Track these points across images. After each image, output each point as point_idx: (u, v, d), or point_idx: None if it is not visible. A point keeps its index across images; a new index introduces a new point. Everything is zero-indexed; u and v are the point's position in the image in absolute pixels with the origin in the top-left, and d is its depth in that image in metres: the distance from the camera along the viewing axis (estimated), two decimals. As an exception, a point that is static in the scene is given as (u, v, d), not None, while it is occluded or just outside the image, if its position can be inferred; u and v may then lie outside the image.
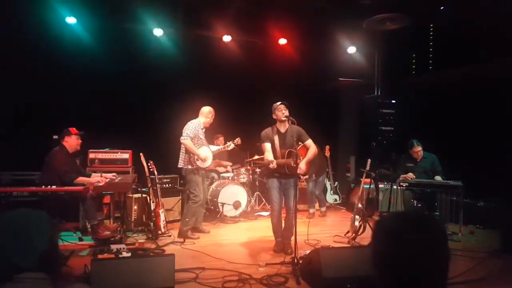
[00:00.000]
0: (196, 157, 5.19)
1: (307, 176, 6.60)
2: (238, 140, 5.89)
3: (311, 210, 6.98)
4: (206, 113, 5.42)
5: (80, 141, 5.16)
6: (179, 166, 5.36)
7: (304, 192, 7.35)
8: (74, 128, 5.14)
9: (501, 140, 5.87)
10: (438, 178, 5.54)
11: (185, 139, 5.15)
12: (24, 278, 1.24)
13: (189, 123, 5.31)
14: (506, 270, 4.19)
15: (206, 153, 5.34)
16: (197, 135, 5.26)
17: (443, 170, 5.70)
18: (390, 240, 1.14)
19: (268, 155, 4.49)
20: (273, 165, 4.32)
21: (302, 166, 4.45)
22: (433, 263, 1.10)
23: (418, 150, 5.75)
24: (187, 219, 5.27)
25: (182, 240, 5.07)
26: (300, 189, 7.32)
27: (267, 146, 4.56)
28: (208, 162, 5.38)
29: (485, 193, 5.95)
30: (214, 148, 5.69)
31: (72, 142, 5.06)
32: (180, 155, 5.34)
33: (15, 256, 1.25)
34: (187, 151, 5.23)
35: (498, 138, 5.91)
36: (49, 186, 4.45)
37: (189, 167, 5.24)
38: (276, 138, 4.58)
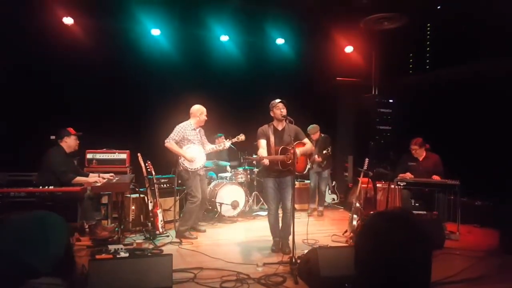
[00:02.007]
0: (182, 158, 5.18)
1: (320, 158, 6.59)
2: (241, 137, 5.62)
3: (312, 206, 6.98)
4: (195, 112, 5.35)
5: (78, 141, 5.16)
6: (176, 169, 5.43)
7: (304, 191, 7.37)
8: (72, 129, 5.13)
9: (499, 139, 5.88)
10: (435, 178, 5.55)
11: (167, 142, 5.20)
12: (40, 283, 1.21)
13: (176, 126, 5.30)
14: (503, 269, 4.20)
15: (193, 153, 5.24)
16: (185, 137, 5.24)
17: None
18: (369, 238, 1.14)
19: (262, 152, 4.49)
20: (265, 161, 4.33)
21: (297, 153, 4.44)
22: (410, 263, 1.08)
23: (416, 148, 5.75)
24: (186, 220, 5.26)
25: (180, 240, 5.06)
26: (300, 188, 7.37)
27: (262, 142, 4.57)
28: (197, 163, 5.27)
29: (483, 192, 5.97)
30: (210, 146, 5.59)
31: (71, 142, 5.05)
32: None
33: (30, 259, 1.21)
34: (175, 154, 5.23)
35: (496, 137, 5.93)
36: (46, 187, 4.44)
37: (180, 168, 5.26)
38: (272, 136, 4.59)
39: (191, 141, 5.28)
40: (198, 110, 5.35)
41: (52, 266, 1.23)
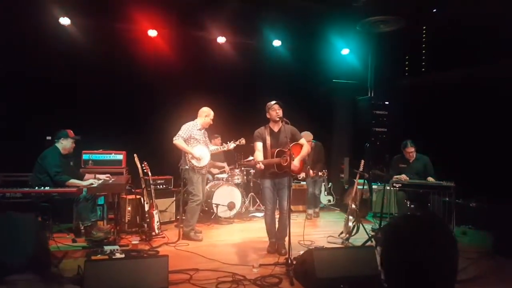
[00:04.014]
0: (190, 156, 5.22)
1: (314, 173, 6.60)
2: (242, 140, 5.83)
3: (309, 211, 7.00)
4: (201, 112, 5.45)
5: (74, 145, 5.15)
6: (181, 168, 5.43)
7: (299, 192, 7.38)
8: (72, 131, 5.12)
9: (493, 141, 5.92)
10: (430, 179, 5.58)
11: (176, 140, 5.22)
12: (16, 280, 1.24)
13: (183, 125, 5.35)
14: (497, 270, 4.25)
15: (200, 151, 5.34)
16: (192, 136, 5.30)
17: (436, 170, 5.74)
18: (403, 241, 1.16)
19: (258, 155, 4.51)
20: (260, 165, 4.34)
21: (296, 163, 4.50)
22: (445, 263, 1.12)
23: (411, 151, 5.79)
24: (188, 220, 5.29)
25: (175, 241, 5.07)
26: (295, 190, 7.38)
27: (258, 145, 4.58)
28: (204, 161, 5.38)
29: (477, 194, 6.00)
30: (214, 147, 5.74)
31: (67, 145, 5.04)
32: (182, 157, 5.40)
33: (4, 257, 1.25)
34: (183, 151, 5.27)
35: (490, 139, 5.97)
36: (42, 188, 4.43)
37: (186, 167, 5.29)
38: (268, 138, 4.60)
39: (198, 140, 5.36)
40: (204, 112, 5.44)
41: (24, 262, 1.27)
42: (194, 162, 5.26)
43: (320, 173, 6.38)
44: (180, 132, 5.26)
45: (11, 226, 1.32)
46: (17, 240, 1.30)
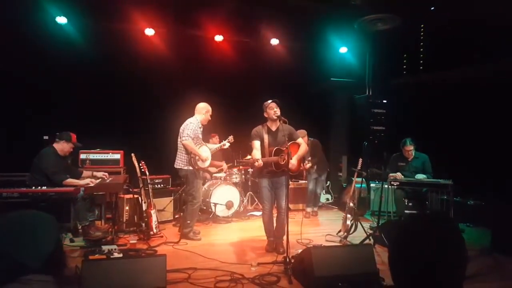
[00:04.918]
0: (197, 157, 5.09)
1: (307, 166, 6.53)
2: (231, 138, 5.75)
3: (308, 209, 6.99)
4: (201, 109, 5.28)
5: (72, 150, 5.12)
6: (177, 166, 5.21)
7: (298, 191, 7.38)
8: (75, 137, 5.09)
9: (491, 139, 5.93)
10: (421, 176, 5.57)
11: (187, 140, 5.02)
12: (31, 280, 1.23)
13: (187, 123, 5.16)
14: (495, 267, 4.25)
15: (206, 153, 5.26)
16: (197, 135, 5.16)
17: (434, 168, 5.73)
18: (413, 240, 1.16)
19: (256, 153, 4.49)
20: (259, 163, 4.32)
21: (294, 161, 4.48)
22: (454, 262, 1.13)
23: (410, 149, 5.77)
24: (188, 221, 5.22)
25: (174, 240, 5.05)
26: (294, 188, 7.38)
27: (256, 144, 4.57)
28: (208, 162, 5.31)
29: (475, 191, 6.02)
30: (211, 146, 5.62)
31: (65, 148, 5.01)
32: (178, 156, 5.20)
33: (22, 256, 1.24)
34: (187, 152, 5.10)
35: (488, 137, 5.98)
36: (39, 187, 4.41)
37: (190, 168, 5.12)
38: (266, 136, 4.59)
39: (200, 139, 5.23)
40: (204, 108, 5.28)
41: (41, 263, 1.26)
42: (200, 163, 5.13)
43: (306, 161, 6.30)
44: (187, 132, 5.04)
45: (30, 225, 1.31)
46: (36, 240, 1.29)
